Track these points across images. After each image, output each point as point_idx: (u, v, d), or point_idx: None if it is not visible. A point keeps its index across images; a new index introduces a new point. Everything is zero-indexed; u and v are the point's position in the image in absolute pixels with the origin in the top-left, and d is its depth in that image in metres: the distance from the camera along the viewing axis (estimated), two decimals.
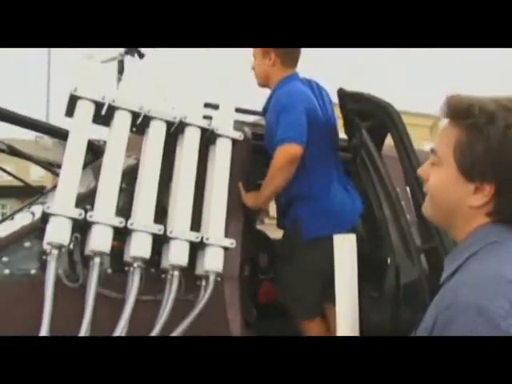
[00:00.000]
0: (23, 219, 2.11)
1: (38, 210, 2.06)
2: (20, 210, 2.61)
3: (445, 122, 1.10)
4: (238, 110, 2.37)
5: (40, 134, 3.32)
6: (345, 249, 1.58)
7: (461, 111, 1.05)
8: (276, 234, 3.65)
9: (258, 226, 4.23)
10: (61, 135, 2.50)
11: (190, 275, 1.92)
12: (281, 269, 2.51)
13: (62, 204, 1.73)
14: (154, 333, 1.79)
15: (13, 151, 2.76)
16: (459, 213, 1.08)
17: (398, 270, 2.08)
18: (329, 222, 2.26)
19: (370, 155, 2.24)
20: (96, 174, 1.98)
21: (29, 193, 2.72)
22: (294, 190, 2.28)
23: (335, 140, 2.50)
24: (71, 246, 1.77)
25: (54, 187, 2.68)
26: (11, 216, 2.53)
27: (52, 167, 2.95)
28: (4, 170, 3.12)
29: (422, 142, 3.28)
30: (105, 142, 2.30)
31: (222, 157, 2.05)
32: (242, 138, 2.11)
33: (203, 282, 1.92)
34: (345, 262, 1.56)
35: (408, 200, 2.24)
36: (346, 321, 1.55)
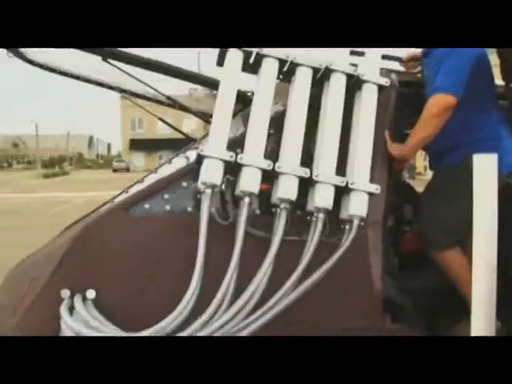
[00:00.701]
0: (180, 162, 2.30)
1: (192, 154, 2.23)
2: (176, 155, 2.83)
3: None
4: (384, 57, 2.32)
5: (193, 87, 3.52)
6: (485, 169, 1.50)
7: None
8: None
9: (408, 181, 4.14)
10: (213, 85, 2.64)
11: (334, 219, 1.97)
12: (434, 201, 2.39)
13: (215, 147, 1.86)
14: (297, 272, 1.88)
15: (173, 102, 2.97)
16: None
17: None
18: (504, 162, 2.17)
19: None
20: (245, 122, 2.08)
21: (182, 144, 2.92)
22: (460, 136, 2.20)
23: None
24: (223, 186, 1.90)
25: (207, 135, 2.85)
26: (169, 161, 2.76)
27: (205, 117, 3.13)
28: (166, 123, 3.36)
29: None
30: (252, 93, 2.39)
31: (367, 103, 2.04)
32: (388, 84, 2.07)
33: (347, 226, 1.96)
34: (485, 183, 1.49)
35: None
36: (483, 247, 1.48)
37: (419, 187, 3.76)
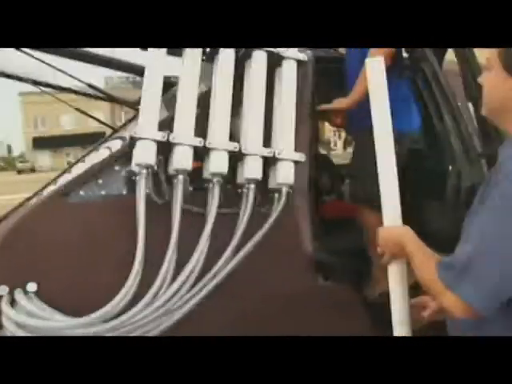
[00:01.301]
0: (109, 150, 2.30)
1: (113, 144, 2.26)
2: (100, 145, 2.82)
3: None
4: None
5: (109, 75, 3.50)
6: (376, 71, 1.66)
7: None
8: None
9: None
10: (133, 70, 2.66)
11: (263, 189, 2.09)
12: (361, 160, 2.52)
13: (147, 128, 1.92)
14: (233, 242, 1.99)
15: (94, 90, 2.93)
16: (509, 106, 1.25)
17: (460, 175, 2.17)
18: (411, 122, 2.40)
19: (431, 68, 2.28)
20: (168, 105, 2.14)
21: (88, 139, 2.86)
22: None
23: None
24: (156, 167, 1.96)
25: (125, 124, 2.87)
26: (96, 149, 2.75)
27: (132, 104, 3.10)
28: (87, 114, 3.27)
29: None
30: (172, 77, 2.45)
31: (288, 77, 2.17)
32: (306, 59, 2.21)
33: (276, 195, 2.09)
34: (376, 84, 1.65)
35: (469, 114, 2.31)
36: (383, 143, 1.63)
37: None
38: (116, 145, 2.22)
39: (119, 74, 3.22)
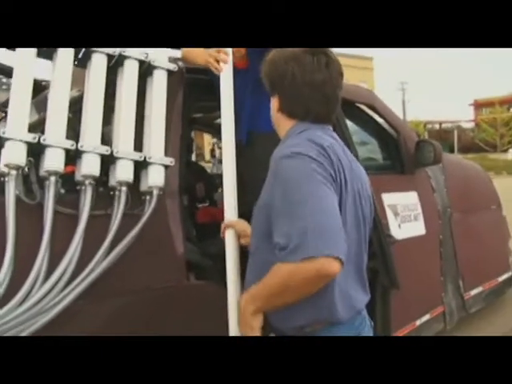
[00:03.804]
0: None
1: None
2: None
3: None
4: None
5: None
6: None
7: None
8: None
9: None
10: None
11: (135, 192, 2.17)
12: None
13: (17, 129, 1.90)
14: (106, 243, 2.03)
15: None
16: (277, 121, 1.67)
17: None
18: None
19: None
20: (38, 108, 2.14)
21: None
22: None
23: None
24: (26, 168, 1.95)
25: None
26: None
27: None
28: None
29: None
30: (43, 81, 2.44)
31: (158, 86, 2.27)
32: (176, 69, 2.33)
33: (147, 197, 2.18)
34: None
35: None
36: None
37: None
38: None
39: None
